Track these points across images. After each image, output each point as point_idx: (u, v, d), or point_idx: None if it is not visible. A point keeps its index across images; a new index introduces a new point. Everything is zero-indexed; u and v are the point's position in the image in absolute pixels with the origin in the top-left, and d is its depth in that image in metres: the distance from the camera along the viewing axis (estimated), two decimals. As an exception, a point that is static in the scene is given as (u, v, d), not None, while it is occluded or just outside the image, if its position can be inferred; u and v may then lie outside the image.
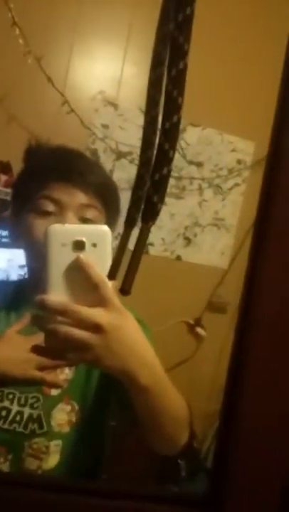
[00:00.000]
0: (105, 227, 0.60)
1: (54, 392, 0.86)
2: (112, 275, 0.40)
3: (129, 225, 0.35)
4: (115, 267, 0.38)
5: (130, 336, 0.60)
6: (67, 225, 0.61)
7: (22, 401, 0.86)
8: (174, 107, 0.30)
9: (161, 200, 0.32)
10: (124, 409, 0.77)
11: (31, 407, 0.86)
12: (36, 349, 0.63)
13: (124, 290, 0.36)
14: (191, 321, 2.40)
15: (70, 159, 0.91)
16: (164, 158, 0.31)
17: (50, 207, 0.84)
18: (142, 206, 0.33)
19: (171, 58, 0.30)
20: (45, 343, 0.59)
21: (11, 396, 0.87)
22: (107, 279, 0.57)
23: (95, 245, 0.58)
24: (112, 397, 0.86)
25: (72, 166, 0.88)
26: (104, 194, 0.89)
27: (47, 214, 0.84)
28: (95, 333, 0.56)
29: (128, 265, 0.34)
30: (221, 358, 2.40)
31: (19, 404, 0.86)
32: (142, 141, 0.34)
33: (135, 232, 0.36)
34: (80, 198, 0.85)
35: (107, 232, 0.59)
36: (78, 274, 0.57)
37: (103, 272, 0.57)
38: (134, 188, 0.35)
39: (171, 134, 0.30)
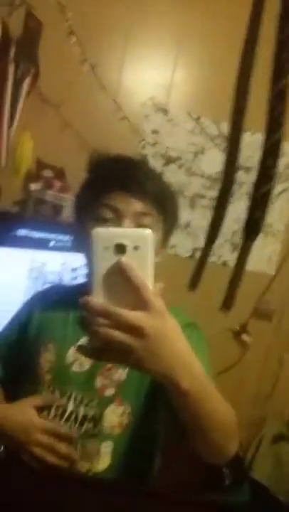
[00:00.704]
0: (148, 231, 0.59)
1: (108, 392, 0.89)
2: (231, 303, 0.42)
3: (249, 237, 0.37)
4: (234, 288, 0.39)
5: (171, 339, 0.60)
6: (110, 229, 0.61)
7: (78, 400, 0.90)
8: (276, 125, 0.32)
9: (263, 217, 0.34)
10: (171, 414, 0.78)
11: (86, 406, 0.89)
12: (80, 349, 0.63)
13: (226, 305, 0.37)
14: (237, 328, 2.40)
15: (128, 169, 0.94)
16: (266, 176, 0.33)
17: (108, 214, 0.89)
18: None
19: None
20: (89, 344, 0.60)
21: (68, 394, 0.91)
22: (148, 282, 0.58)
23: (136, 248, 0.58)
24: (162, 401, 0.87)
25: (130, 176, 0.92)
26: (162, 202, 0.93)
27: (105, 221, 0.89)
28: (136, 336, 0.56)
29: (230, 281, 0.36)
30: (266, 365, 2.39)
31: (75, 403, 0.90)
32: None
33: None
34: (137, 206, 0.89)
35: (150, 236, 0.59)
36: (120, 277, 0.57)
37: (145, 275, 0.57)
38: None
39: (273, 151, 0.32)
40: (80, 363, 0.93)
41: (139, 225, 0.89)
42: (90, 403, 0.90)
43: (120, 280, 0.57)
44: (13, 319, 1.09)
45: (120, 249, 0.58)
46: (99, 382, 0.91)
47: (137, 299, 0.57)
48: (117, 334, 0.56)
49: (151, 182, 0.93)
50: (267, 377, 2.38)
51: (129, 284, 0.57)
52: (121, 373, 0.91)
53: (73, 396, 0.91)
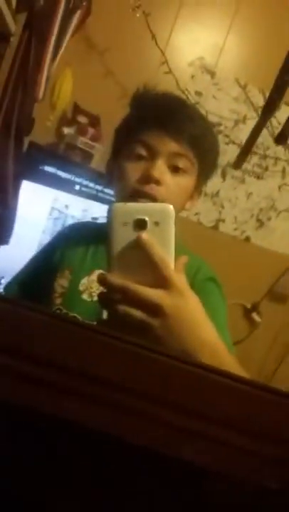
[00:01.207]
0: (169, 206, 0.58)
1: None
2: (239, 163, 0.38)
3: (269, 109, 0.34)
4: (246, 153, 0.36)
5: (191, 317, 0.58)
6: (129, 204, 0.58)
7: None
8: None
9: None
10: None
11: None
12: (100, 322, 0.62)
13: (283, 136, 0.35)
14: (248, 305, 2.37)
15: (170, 107, 0.90)
16: None
17: (143, 151, 0.86)
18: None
19: None
20: (108, 318, 0.59)
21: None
22: (170, 259, 0.56)
23: (157, 224, 0.56)
24: None
25: (170, 114, 0.87)
26: (200, 146, 0.89)
27: (139, 158, 0.86)
28: (154, 315, 0.55)
29: (244, 145, 0.33)
30: (272, 348, 2.36)
31: None
32: None
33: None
34: (173, 146, 0.86)
35: (171, 211, 0.57)
36: (140, 254, 0.55)
37: (166, 252, 0.56)
38: (279, 73, 0.33)
39: None
40: (90, 293, 0.92)
41: (173, 167, 0.86)
42: None
43: (140, 257, 0.55)
44: (39, 252, 1.10)
45: (140, 224, 0.55)
46: (105, 313, 0.90)
47: (158, 277, 0.55)
48: (136, 312, 0.55)
49: (191, 123, 0.89)
50: (271, 360, 2.35)
51: (149, 261, 0.55)
52: None
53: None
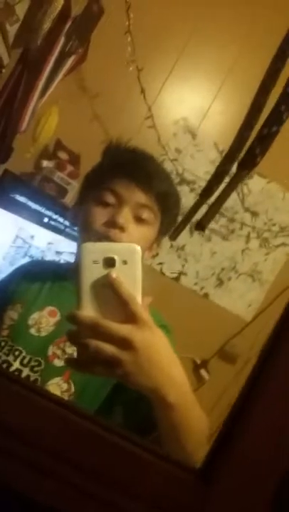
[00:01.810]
0: (136, 246, 0.61)
1: (58, 362, 0.87)
2: (206, 223, 0.42)
3: (245, 165, 0.37)
4: (211, 215, 0.40)
5: (160, 353, 0.60)
6: (99, 243, 0.63)
7: (25, 361, 0.88)
8: None
9: (262, 154, 0.35)
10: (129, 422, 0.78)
11: (31, 369, 0.87)
12: (69, 361, 0.64)
13: (201, 225, 0.38)
14: (198, 361, 2.38)
15: (141, 160, 0.96)
16: (278, 118, 0.33)
17: (111, 198, 0.90)
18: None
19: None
20: (78, 356, 0.60)
21: (17, 353, 0.89)
22: (137, 296, 0.58)
23: (125, 262, 0.58)
24: (117, 405, 0.85)
25: (141, 167, 0.92)
26: (165, 201, 0.93)
27: (106, 204, 0.90)
28: (125, 349, 0.56)
29: (212, 204, 0.36)
30: (216, 407, 2.36)
31: (21, 363, 0.88)
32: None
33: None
34: (140, 197, 0.90)
35: (138, 250, 0.60)
36: (109, 291, 0.58)
37: (133, 289, 0.58)
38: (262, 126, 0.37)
39: None
40: (38, 328, 0.93)
41: (137, 217, 0.90)
42: (36, 367, 0.88)
43: (109, 293, 0.58)
44: None
45: (109, 262, 0.58)
46: (51, 350, 0.90)
47: (126, 313, 0.58)
48: (107, 347, 0.56)
49: (160, 179, 0.94)
50: (213, 420, 2.33)
51: (117, 298, 0.58)
52: (75, 349, 0.90)
53: (22, 355, 0.89)
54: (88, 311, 0.58)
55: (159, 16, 2.14)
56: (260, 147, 0.34)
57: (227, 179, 0.43)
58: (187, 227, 2.27)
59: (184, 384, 0.64)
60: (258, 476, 0.40)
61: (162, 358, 0.60)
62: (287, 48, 0.41)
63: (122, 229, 0.87)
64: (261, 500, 0.40)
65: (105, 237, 0.87)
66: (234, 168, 0.44)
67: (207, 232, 2.34)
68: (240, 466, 0.41)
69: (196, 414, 0.67)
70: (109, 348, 0.56)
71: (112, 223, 0.87)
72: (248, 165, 0.35)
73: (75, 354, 0.88)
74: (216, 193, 0.41)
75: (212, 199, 0.43)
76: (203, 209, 0.43)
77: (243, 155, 0.35)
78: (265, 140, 0.34)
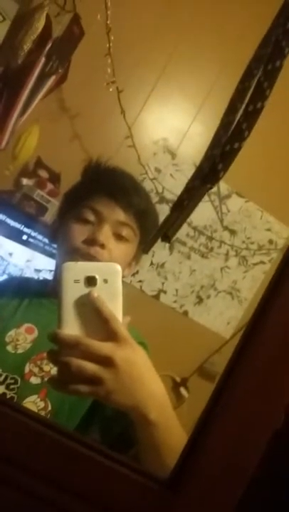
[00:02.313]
0: (117, 265, 0.62)
1: (34, 380, 0.87)
2: (171, 235, 0.43)
3: (207, 180, 0.39)
4: (178, 228, 0.41)
5: (141, 370, 0.61)
6: (80, 263, 0.64)
7: (1, 378, 0.87)
8: (261, 96, 0.34)
9: (225, 170, 0.36)
10: (106, 440, 0.78)
11: (7, 387, 0.86)
12: (50, 381, 0.64)
13: (167, 237, 0.39)
14: (178, 379, 2.37)
15: (120, 179, 0.98)
16: (239, 135, 0.35)
17: (91, 216, 0.92)
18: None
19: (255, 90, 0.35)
20: (58, 376, 0.60)
21: None
22: (118, 314, 0.60)
23: (106, 281, 0.60)
24: (94, 424, 0.85)
25: (121, 186, 0.95)
26: (143, 219, 0.95)
27: (86, 221, 0.92)
28: (106, 367, 0.57)
29: (177, 217, 0.37)
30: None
31: None
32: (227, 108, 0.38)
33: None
34: (119, 215, 0.92)
35: (118, 270, 0.62)
36: (90, 309, 0.59)
37: (114, 307, 0.60)
38: (224, 143, 0.38)
39: (252, 117, 0.34)
40: (15, 345, 0.92)
41: (117, 235, 0.92)
42: (13, 385, 0.87)
43: (90, 312, 0.59)
44: None
45: (90, 281, 0.60)
46: (28, 367, 0.89)
47: (107, 331, 0.59)
48: (88, 365, 0.57)
49: (139, 198, 0.97)
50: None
51: (98, 316, 0.59)
52: (52, 366, 0.89)
53: None
54: (69, 329, 0.58)
55: (139, 39, 2.19)
56: (223, 163, 0.36)
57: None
58: (166, 245, 2.29)
59: (164, 401, 0.64)
60: (224, 485, 0.41)
61: (143, 375, 0.61)
62: (255, 67, 0.43)
63: (102, 246, 0.89)
64: (227, 509, 0.41)
65: (86, 254, 0.88)
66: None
67: (186, 250, 2.36)
68: (206, 476, 0.41)
69: (176, 432, 0.68)
70: (90, 366, 0.56)
71: (92, 241, 0.89)
72: (211, 179, 0.37)
73: (53, 372, 0.88)
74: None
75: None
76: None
77: (207, 170, 0.36)
78: (227, 156, 0.36)
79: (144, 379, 0.61)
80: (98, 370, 0.57)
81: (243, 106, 0.37)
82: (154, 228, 1.02)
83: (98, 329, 0.59)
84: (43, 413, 0.85)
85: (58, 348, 0.59)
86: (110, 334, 0.59)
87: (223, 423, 0.38)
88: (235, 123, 0.37)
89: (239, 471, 0.41)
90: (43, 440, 0.43)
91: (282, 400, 0.34)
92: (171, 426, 0.66)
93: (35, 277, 1.83)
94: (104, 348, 0.58)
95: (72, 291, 0.59)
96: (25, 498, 0.41)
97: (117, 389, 0.58)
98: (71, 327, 0.59)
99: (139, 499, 0.43)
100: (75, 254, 0.89)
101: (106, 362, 0.57)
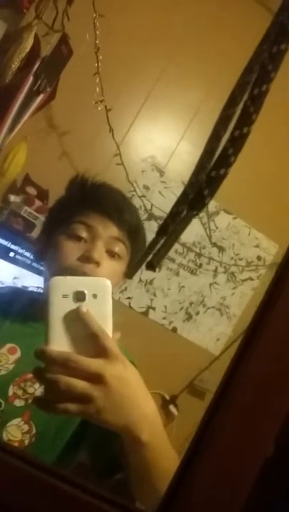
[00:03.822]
0: (106, 280, 0.61)
1: (18, 403, 0.85)
2: (156, 263, 0.42)
3: (194, 206, 0.38)
4: (163, 255, 0.40)
5: (132, 387, 0.59)
6: (68, 277, 0.61)
7: None
8: (247, 121, 0.34)
9: (211, 196, 0.36)
10: (95, 463, 0.75)
11: None
12: (36, 401, 0.61)
13: (151, 265, 0.38)
14: (167, 397, 2.35)
15: (111, 194, 0.97)
16: (225, 161, 0.35)
17: (84, 233, 0.89)
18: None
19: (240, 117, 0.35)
20: (45, 394, 0.58)
21: None
22: (107, 330, 0.58)
23: (95, 296, 0.58)
24: (81, 446, 0.83)
25: (112, 201, 0.93)
26: (135, 234, 0.94)
27: (78, 239, 0.88)
28: (96, 385, 0.55)
29: (162, 244, 0.37)
30: (185, 443, 2.32)
31: None
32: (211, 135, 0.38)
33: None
34: (113, 231, 0.90)
35: (108, 284, 0.60)
36: (79, 325, 0.57)
37: (103, 323, 0.58)
38: (210, 169, 0.38)
39: (238, 142, 0.34)
40: None
41: (110, 251, 0.90)
42: None
43: (79, 328, 0.57)
44: None
45: (79, 296, 0.58)
46: (11, 390, 0.87)
47: (96, 347, 0.57)
48: (78, 383, 0.54)
49: (130, 212, 0.95)
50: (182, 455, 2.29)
51: (88, 332, 0.57)
52: (36, 388, 0.87)
53: None
54: (57, 345, 0.56)
55: (127, 58, 2.22)
56: (209, 189, 0.36)
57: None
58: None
59: (156, 421, 0.62)
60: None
61: (135, 394, 0.59)
62: (238, 93, 0.43)
63: (97, 264, 0.86)
64: None
65: (80, 272, 0.86)
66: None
67: (175, 266, 2.36)
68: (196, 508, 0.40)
69: (168, 453, 0.66)
70: (80, 384, 0.54)
71: (87, 258, 0.86)
72: (197, 206, 0.36)
73: (37, 393, 0.86)
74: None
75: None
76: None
77: (193, 196, 0.36)
78: (213, 182, 0.36)
79: (135, 397, 0.59)
80: (88, 388, 0.54)
81: (229, 132, 0.38)
82: (144, 245, 1.02)
83: (87, 345, 0.57)
84: (27, 436, 0.83)
85: (45, 366, 0.56)
86: (100, 350, 0.56)
87: (211, 454, 0.37)
88: (221, 149, 0.37)
89: (230, 503, 0.40)
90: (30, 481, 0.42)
91: (273, 428, 0.33)
92: (162, 447, 0.63)
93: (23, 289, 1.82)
94: (94, 364, 0.55)
95: (60, 307, 0.57)
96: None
97: (108, 407, 0.56)
98: (59, 343, 0.56)
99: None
100: (68, 272, 0.87)
101: (96, 379, 0.55)
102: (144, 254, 0.45)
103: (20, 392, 0.86)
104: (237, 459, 0.39)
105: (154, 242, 0.43)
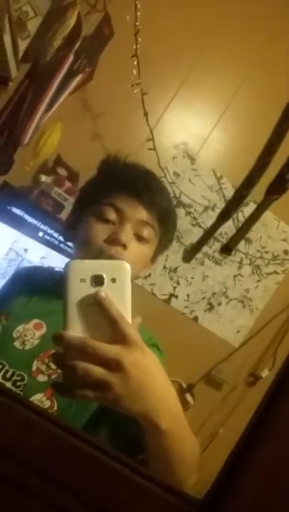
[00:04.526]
0: (125, 263, 0.58)
1: (41, 378, 0.85)
2: (232, 246, 0.41)
3: (274, 191, 0.37)
4: (239, 237, 0.39)
5: (152, 375, 0.57)
6: (86, 261, 0.59)
7: (8, 375, 0.85)
8: None
9: None
10: (115, 444, 0.74)
11: (14, 384, 0.84)
12: (55, 386, 0.60)
13: (227, 248, 0.38)
14: (184, 385, 2.36)
15: (142, 176, 0.94)
16: None
17: (112, 215, 0.88)
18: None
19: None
20: (64, 380, 0.56)
21: (0, 366, 0.87)
22: (126, 316, 0.56)
23: (114, 280, 0.56)
24: (102, 426, 0.82)
25: (143, 184, 0.90)
26: (165, 219, 0.93)
27: (107, 221, 0.87)
28: (115, 372, 0.54)
29: (239, 228, 0.36)
30: (199, 433, 2.33)
31: (4, 377, 0.85)
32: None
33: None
34: (142, 214, 0.88)
35: (127, 268, 0.58)
36: (97, 310, 0.55)
37: (122, 308, 0.56)
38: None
39: None
40: (23, 341, 0.90)
41: (138, 235, 0.88)
42: (19, 382, 0.85)
43: (97, 313, 0.55)
44: None
45: (98, 280, 0.56)
46: (35, 365, 0.87)
47: (115, 333, 0.55)
48: (96, 369, 0.53)
49: (161, 196, 0.93)
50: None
51: (106, 318, 0.55)
52: None
53: (5, 369, 0.87)
54: (75, 331, 0.55)
55: (166, 43, 2.18)
56: None
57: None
58: (181, 249, 2.28)
59: (176, 407, 0.62)
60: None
61: (154, 381, 0.58)
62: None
63: (124, 246, 0.85)
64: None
65: (107, 255, 0.85)
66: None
67: (200, 255, 2.35)
68: (247, 502, 0.39)
69: (188, 439, 0.65)
70: (98, 371, 0.53)
71: (114, 240, 0.85)
72: (278, 190, 0.35)
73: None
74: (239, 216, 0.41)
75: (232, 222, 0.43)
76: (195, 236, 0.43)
77: (272, 181, 0.35)
78: None
79: (154, 384, 0.57)
80: (106, 375, 0.53)
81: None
82: (174, 229, 0.99)
83: (106, 331, 0.55)
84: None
85: (63, 351, 0.55)
86: (119, 336, 0.55)
87: (271, 443, 0.36)
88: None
89: (282, 502, 0.39)
90: (60, 445, 0.41)
91: None
92: (182, 434, 0.63)
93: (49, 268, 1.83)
94: (113, 350, 0.54)
95: (78, 291, 0.56)
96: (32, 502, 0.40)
97: (126, 395, 0.54)
98: (77, 329, 0.55)
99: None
100: (95, 253, 0.86)
101: (114, 366, 0.54)
102: (204, 238, 0.44)
103: (43, 368, 0.86)
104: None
105: (215, 226, 0.42)
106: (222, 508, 0.36)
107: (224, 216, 0.41)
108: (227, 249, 0.38)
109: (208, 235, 0.41)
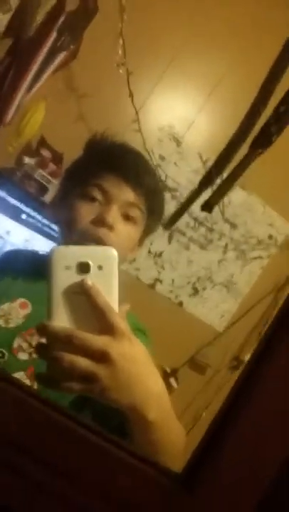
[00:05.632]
0: (112, 250, 0.56)
1: (22, 356, 0.83)
2: (213, 203, 0.39)
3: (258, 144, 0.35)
4: (220, 196, 0.37)
5: (139, 365, 0.56)
6: (71, 247, 0.56)
7: None
8: None
9: (278, 133, 0.33)
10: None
11: None
12: (39, 378, 0.59)
13: (208, 204, 0.36)
14: (168, 369, 2.36)
15: (129, 156, 0.92)
16: None
17: (98, 195, 0.85)
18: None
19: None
20: (48, 372, 0.54)
21: None
22: (113, 304, 0.54)
23: (100, 268, 0.54)
24: (84, 410, 0.83)
25: (130, 164, 0.89)
26: (152, 199, 0.91)
27: (92, 200, 0.85)
28: (102, 363, 0.52)
29: (220, 184, 0.34)
30: (183, 417, 2.35)
31: None
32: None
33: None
34: (129, 195, 0.87)
35: (114, 255, 0.55)
36: (83, 299, 0.53)
37: (109, 297, 0.54)
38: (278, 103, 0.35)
39: None
40: (7, 319, 0.88)
41: (125, 215, 0.86)
42: (0, 359, 0.84)
43: (83, 302, 0.53)
44: None
45: (83, 268, 0.53)
46: (17, 342, 0.86)
47: (102, 323, 0.53)
48: (81, 360, 0.51)
49: (149, 177, 0.91)
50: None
51: (93, 307, 0.53)
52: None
53: None
54: (60, 321, 0.53)
55: (152, 23, 2.14)
56: (276, 125, 0.33)
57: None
58: (166, 234, 2.26)
59: (163, 398, 0.60)
60: (242, 486, 0.38)
61: (141, 371, 0.56)
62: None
63: (110, 228, 0.83)
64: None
65: (93, 236, 0.83)
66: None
67: (185, 240, 2.34)
68: (225, 475, 0.39)
69: (174, 429, 0.64)
70: (84, 362, 0.51)
71: (100, 222, 0.83)
72: (263, 144, 0.33)
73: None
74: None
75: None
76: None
77: (257, 134, 0.33)
78: (281, 118, 0.32)
79: (142, 376, 0.56)
80: (92, 366, 0.52)
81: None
82: (162, 210, 0.98)
83: (92, 321, 0.53)
84: None
85: (48, 342, 0.53)
86: (106, 327, 0.53)
87: (245, 420, 0.35)
88: None
89: (259, 473, 0.39)
90: (41, 420, 0.40)
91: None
92: (169, 425, 0.62)
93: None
94: (100, 341, 0.52)
95: (62, 279, 0.53)
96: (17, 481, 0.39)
97: (113, 386, 0.53)
98: (62, 319, 0.53)
99: (148, 494, 0.41)
100: (81, 235, 0.84)
101: (101, 357, 0.52)
102: (186, 203, 0.42)
103: (25, 345, 0.85)
104: (272, 428, 0.38)
105: (197, 192, 0.40)
106: (199, 480, 0.36)
107: (206, 182, 0.39)
108: (208, 205, 0.36)
109: (190, 200, 0.39)
